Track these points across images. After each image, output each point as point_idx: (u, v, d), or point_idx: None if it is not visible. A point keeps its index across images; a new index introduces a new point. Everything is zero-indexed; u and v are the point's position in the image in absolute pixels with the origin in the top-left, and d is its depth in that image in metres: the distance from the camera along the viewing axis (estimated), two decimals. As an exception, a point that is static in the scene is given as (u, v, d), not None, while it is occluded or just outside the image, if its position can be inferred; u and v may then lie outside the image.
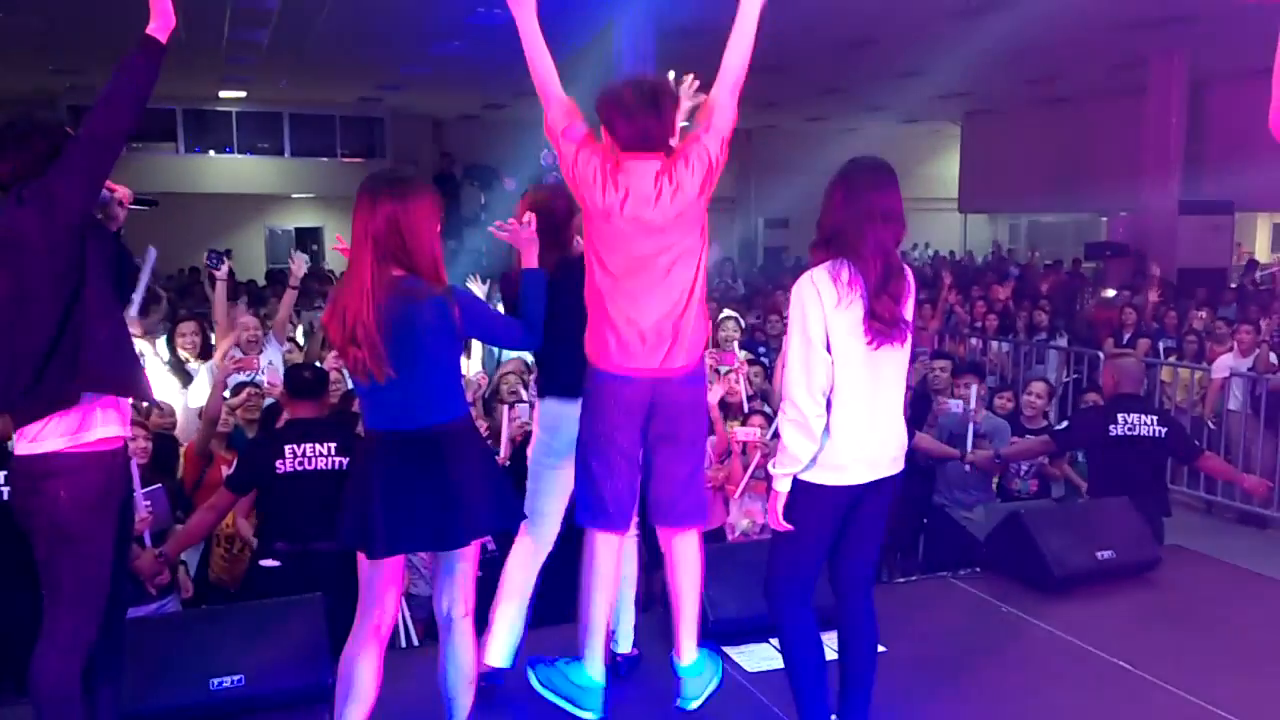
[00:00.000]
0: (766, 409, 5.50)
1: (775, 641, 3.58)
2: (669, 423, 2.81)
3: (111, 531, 2.49)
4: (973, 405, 5.12)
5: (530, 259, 2.87)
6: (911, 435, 4.86)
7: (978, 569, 4.33)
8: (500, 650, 3.11)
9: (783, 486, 2.63)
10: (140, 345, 6.17)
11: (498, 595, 3.13)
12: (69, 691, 2.43)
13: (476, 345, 5.86)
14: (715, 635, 3.54)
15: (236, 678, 3.04)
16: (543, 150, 13.68)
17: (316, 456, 3.84)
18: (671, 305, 2.75)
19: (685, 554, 2.87)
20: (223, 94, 17.27)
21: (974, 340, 10.22)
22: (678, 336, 2.76)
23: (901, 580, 4.25)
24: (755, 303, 11.20)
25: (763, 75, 16.42)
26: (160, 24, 2.45)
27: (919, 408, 5.73)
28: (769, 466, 2.66)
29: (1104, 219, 18.19)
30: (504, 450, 4.33)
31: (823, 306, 2.57)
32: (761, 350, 7.31)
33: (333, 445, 3.89)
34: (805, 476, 2.63)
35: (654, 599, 4.03)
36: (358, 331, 2.49)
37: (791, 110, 19.11)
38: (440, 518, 2.57)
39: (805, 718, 2.75)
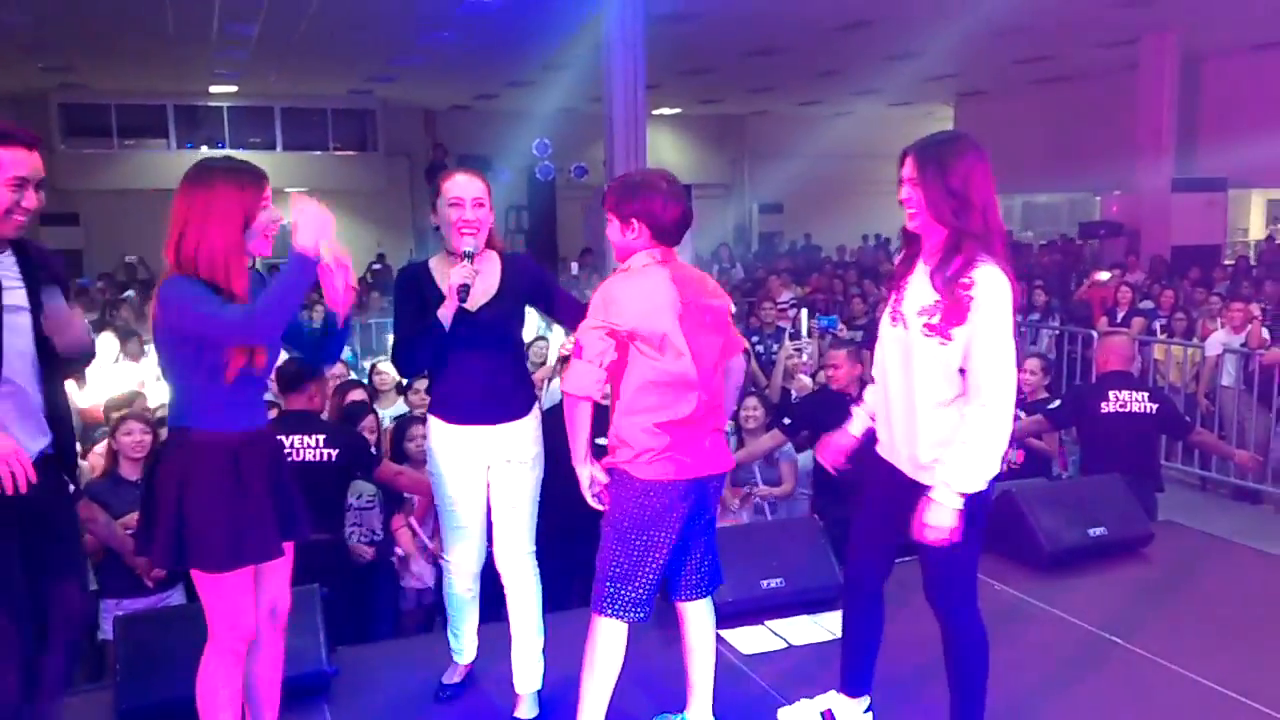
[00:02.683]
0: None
1: (770, 624, 3.62)
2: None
3: None
4: None
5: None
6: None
7: (971, 548, 4.35)
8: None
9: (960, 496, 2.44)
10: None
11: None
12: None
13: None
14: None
15: (235, 669, 3.05)
16: (535, 139, 13.68)
17: (305, 448, 3.86)
18: None
19: (702, 617, 2.82)
20: (213, 89, 17.21)
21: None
22: None
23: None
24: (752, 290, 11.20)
25: (755, 59, 16.41)
26: None
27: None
28: (948, 480, 2.44)
29: (1098, 198, 18.18)
30: None
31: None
32: (754, 339, 7.29)
33: (321, 437, 3.91)
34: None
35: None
36: None
37: (784, 95, 19.08)
38: (288, 513, 2.54)
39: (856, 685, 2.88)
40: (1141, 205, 13.97)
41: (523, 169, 15.44)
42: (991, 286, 2.41)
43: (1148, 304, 9.70)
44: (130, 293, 10.88)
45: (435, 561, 4.65)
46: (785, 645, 3.51)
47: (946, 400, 2.50)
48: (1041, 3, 10.78)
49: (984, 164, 2.52)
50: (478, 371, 2.90)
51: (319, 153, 19.34)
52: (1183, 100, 13.99)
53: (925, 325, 2.48)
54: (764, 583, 3.72)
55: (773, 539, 3.95)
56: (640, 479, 2.60)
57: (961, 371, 2.47)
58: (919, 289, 2.53)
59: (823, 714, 2.95)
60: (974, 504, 2.50)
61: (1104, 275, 10.33)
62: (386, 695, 3.19)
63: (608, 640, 2.63)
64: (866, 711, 2.93)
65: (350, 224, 18.60)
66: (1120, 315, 9.19)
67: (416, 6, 10.97)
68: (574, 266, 12.08)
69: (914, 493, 2.54)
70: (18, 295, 2.43)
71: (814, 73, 16.26)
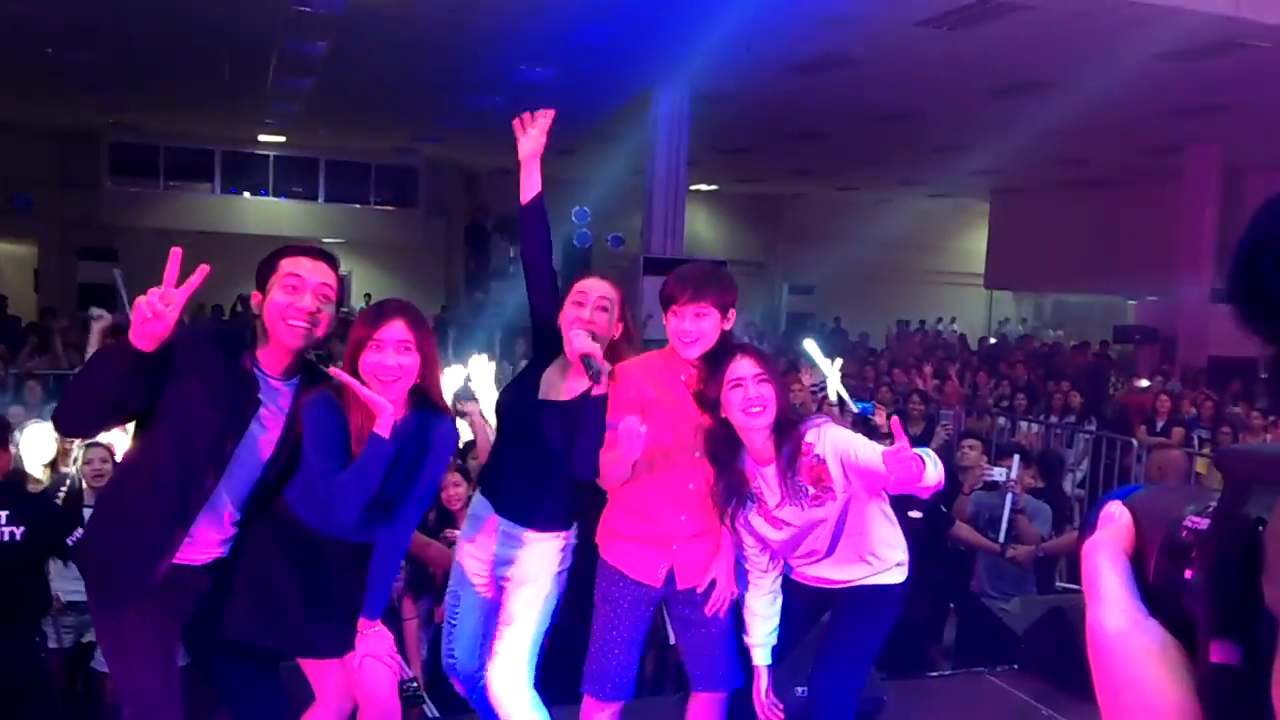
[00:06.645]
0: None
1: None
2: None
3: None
4: (1014, 475, 4.91)
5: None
6: (948, 521, 4.73)
7: (1015, 665, 4.15)
8: None
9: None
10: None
11: None
12: None
13: None
14: None
15: None
16: (573, 207, 13.78)
17: None
18: None
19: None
20: (261, 137, 17.50)
21: (1001, 420, 10.06)
22: None
23: (934, 675, 4.07)
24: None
25: (796, 143, 16.46)
26: None
27: (946, 488, 5.55)
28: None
29: (1132, 302, 18.07)
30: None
31: None
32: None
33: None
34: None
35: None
36: None
37: (822, 179, 19.23)
38: None
39: None
40: (1179, 313, 13.84)
41: (558, 235, 15.56)
42: (829, 432, 2.53)
43: (1192, 413, 9.50)
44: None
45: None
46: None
47: (876, 531, 2.66)
48: (1085, 107, 10.81)
49: None
50: (529, 462, 2.75)
51: (359, 206, 19.56)
52: (1224, 212, 13.93)
53: (811, 503, 2.52)
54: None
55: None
56: None
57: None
58: (771, 490, 2.56)
59: None
60: (887, 593, 2.68)
61: (1144, 382, 10.17)
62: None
63: None
64: None
65: (382, 277, 18.74)
66: (1160, 424, 9.00)
67: (470, 71, 11.13)
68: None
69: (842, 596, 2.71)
70: (275, 420, 2.39)
71: (854, 160, 16.39)
